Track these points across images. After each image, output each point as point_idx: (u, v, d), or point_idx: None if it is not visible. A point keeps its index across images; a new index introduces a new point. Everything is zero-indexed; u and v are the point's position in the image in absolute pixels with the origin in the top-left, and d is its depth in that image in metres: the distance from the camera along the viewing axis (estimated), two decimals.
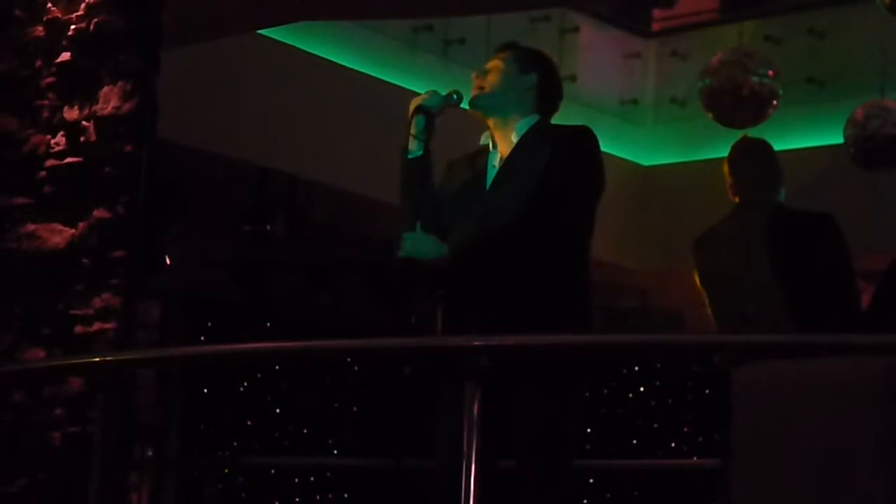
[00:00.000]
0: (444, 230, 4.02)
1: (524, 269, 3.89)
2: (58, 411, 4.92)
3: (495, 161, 4.08)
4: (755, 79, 8.36)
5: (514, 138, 4.07)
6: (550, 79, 4.17)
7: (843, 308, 4.65)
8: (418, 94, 4.09)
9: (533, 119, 4.10)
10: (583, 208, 3.98)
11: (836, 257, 4.77)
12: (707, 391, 10.37)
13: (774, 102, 8.44)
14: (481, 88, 4.10)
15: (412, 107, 4.02)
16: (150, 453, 8.95)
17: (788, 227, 4.90)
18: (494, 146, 4.11)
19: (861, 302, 4.70)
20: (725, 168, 5.12)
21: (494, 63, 4.15)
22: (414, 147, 4.01)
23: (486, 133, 4.14)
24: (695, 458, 9.98)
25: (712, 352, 4.62)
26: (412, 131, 4.01)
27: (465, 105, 4.15)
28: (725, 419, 5.08)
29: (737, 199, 5.09)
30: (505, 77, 4.10)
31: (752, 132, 7.88)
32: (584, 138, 4.02)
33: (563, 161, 3.95)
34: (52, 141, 5.17)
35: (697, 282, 5.10)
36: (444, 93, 4.08)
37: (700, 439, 10.37)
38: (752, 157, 5.11)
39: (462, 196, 4.06)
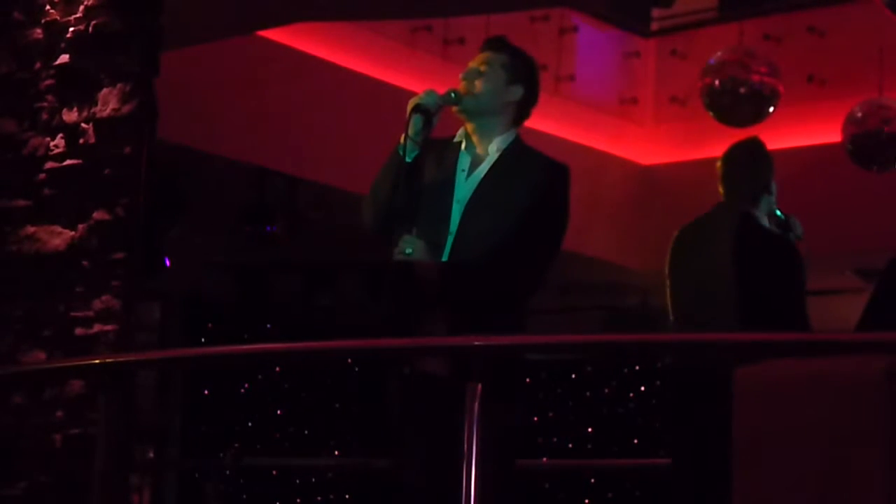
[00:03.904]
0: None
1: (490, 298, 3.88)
2: (58, 413, 4.92)
3: (465, 165, 4.04)
4: (755, 77, 8.37)
5: (493, 151, 4.04)
6: (533, 91, 4.13)
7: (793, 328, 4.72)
8: (417, 95, 4.03)
9: (511, 135, 4.07)
10: (551, 249, 3.99)
11: (793, 284, 4.86)
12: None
13: (775, 101, 8.45)
14: (471, 90, 4.06)
15: (410, 106, 3.97)
16: (151, 455, 8.96)
17: (754, 241, 4.96)
18: (467, 148, 4.07)
19: (809, 328, 4.79)
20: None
21: (486, 64, 4.09)
22: (409, 148, 3.97)
23: (462, 131, 4.10)
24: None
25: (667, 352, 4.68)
26: (409, 131, 3.96)
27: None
28: (673, 417, 5.14)
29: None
30: (494, 85, 4.06)
31: (752, 131, 7.88)
32: (563, 178, 4.01)
33: (545, 200, 3.96)
34: (52, 143, 5.17)
35: (666, 270, 5.13)
36: (442, 92, 4.03)
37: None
38: (735, 161, 5.13)
39: (429, 195, 4.01)
